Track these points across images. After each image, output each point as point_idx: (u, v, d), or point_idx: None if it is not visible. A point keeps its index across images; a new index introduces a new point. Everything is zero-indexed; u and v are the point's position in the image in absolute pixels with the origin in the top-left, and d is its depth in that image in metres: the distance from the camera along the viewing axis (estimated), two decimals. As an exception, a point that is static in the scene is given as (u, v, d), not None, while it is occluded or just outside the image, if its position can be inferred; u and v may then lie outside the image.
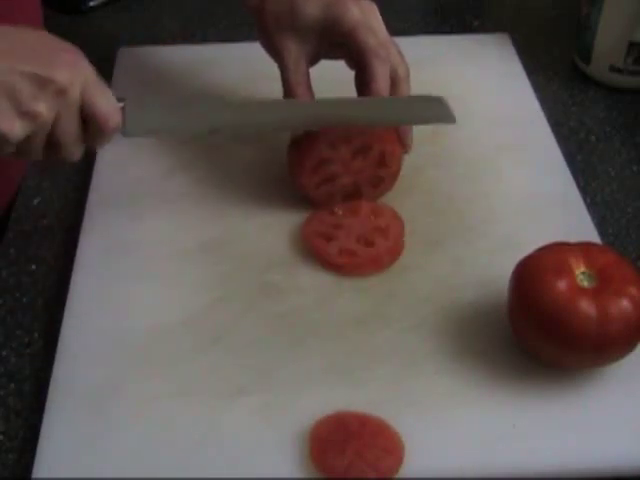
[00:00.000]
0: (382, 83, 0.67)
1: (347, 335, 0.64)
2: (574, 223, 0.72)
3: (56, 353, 0.63)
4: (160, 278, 0.68)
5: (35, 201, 0.77)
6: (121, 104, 0.62)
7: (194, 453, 0.57)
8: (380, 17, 0.69)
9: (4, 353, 0.65)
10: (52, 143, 0.59)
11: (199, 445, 0.57)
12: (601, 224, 0.73)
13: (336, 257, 0.68)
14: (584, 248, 0.60)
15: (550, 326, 0.58)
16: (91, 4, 0.99)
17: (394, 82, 0.68)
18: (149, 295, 0.67)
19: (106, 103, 0.60)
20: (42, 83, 0.56)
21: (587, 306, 0.56)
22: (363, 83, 0.68)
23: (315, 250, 0.69)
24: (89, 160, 0.79)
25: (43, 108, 0.56)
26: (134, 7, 1.01)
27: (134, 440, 0.58)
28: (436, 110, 0.69)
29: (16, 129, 0.56)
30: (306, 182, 0.71)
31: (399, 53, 0.69)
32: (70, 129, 0.59)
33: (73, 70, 0.58)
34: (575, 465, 0.57)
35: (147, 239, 0.71)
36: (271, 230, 0.72)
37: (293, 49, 0.69)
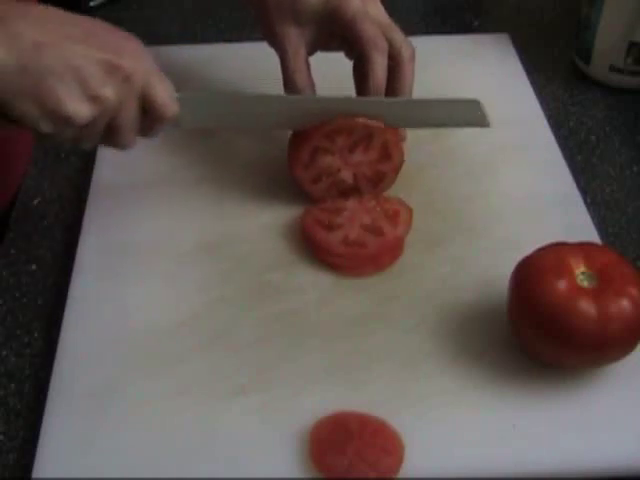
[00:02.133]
0: (379, 73, 0.67)
1: (347, 335, 0.64)
2: (574, 223, 0.72)
3: (56, 353, 0.63)
4: (160, 278, 0.68)
5: (35, 201, 0.77)
6: (177, 95, 0.63)
7: (194, 453, 0.57)
8: (381, 5, 0.70)
9: (4, 353, 0.65)
10: (111, 129, 0.61)
11: (199, 445, 0.57)
12: (601, 224, 0.73)
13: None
14: (584, 248, 0.60)
15: (550, 326, 0.58)
16: (91, 4, 0.99)
17: (398, 64, 0.68)
18: (149, 295, 0.67)
19: (165, 93, 0.62)
20: (111, 69, 0.58)
21: (587, 306, 0.56)
22: (361, 73, 0.68)
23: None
24: (89, 160, 0.79)
25: (110, 93, 0.58)
26: (134, 7, 1.01)
27: (134, 440, 0.58)
28: (471, 113, 0.69)
29: (83, 112, 0.57)
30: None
31: (402, 35, 0.69)
32: (131, 116, 0.61)
33: (137, 58, 0.60)
34: (575, 465, 0.57)
35: (147, 239, 0.71)
36: (271, 230, 0.72)
37: (293, 37, 0.69)
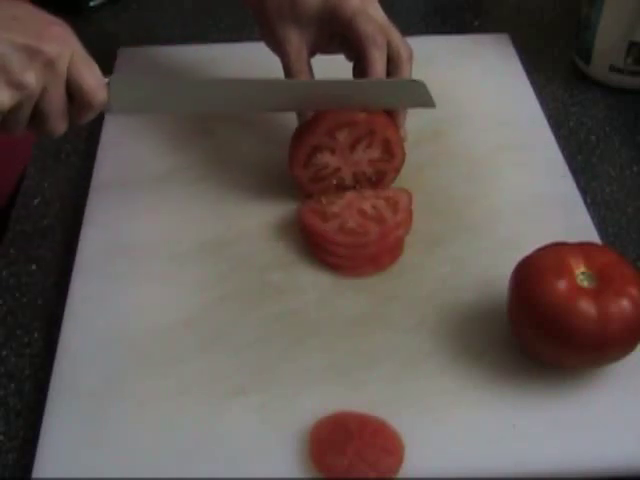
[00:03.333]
0: (379, 70, 0.67)
1: (347, 335, 0.64)
2: (574, 223, 0.72)
3: (56, 353, 0.63)
4: (160, 278, 0.68)
5: (35, 201, 0.77)
6: (107, 80, 0.62)
7: (194, 453, 0.57)
8: (379, 6, 0.70)
9: (4, 353, 0.65)
10: (37, 115, 0.60)
11: (199, 445, 0.57)
12: (601, 224, 0.73)
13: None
14: (584, 248, 0.60)
15: (550, 326, 0.58)
16: (91, 4, 0.99)
17: (396, 64, 0.69)
18: (149, 295, 0.67)
19: (93, 78, 0.60)
20: (32, 54, 0.56)
21: (587, 306, 0.56)
22: (361, 72, 0.68)
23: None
24: (89, 160, 0.79)
25: (32, 78, 0.57)
26: (134, 7, 1.01)
27: (134, 440, 0.58)
28: (417, 94, 0.69)
29: (5, 98, 0.56)
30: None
31: (400, 36, 0.69)
32: (56, 101, 0.59)
33: (61, 43, 0.58)
34: (575, 465, 0.57)
35: (147, 239, 0.71)
36: (271, 230, 0.72)
37: (294, 39, 0.69)
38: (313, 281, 0.68)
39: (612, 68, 0.86)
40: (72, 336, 0.64)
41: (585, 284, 0.58)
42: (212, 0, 1.01)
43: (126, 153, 0.79)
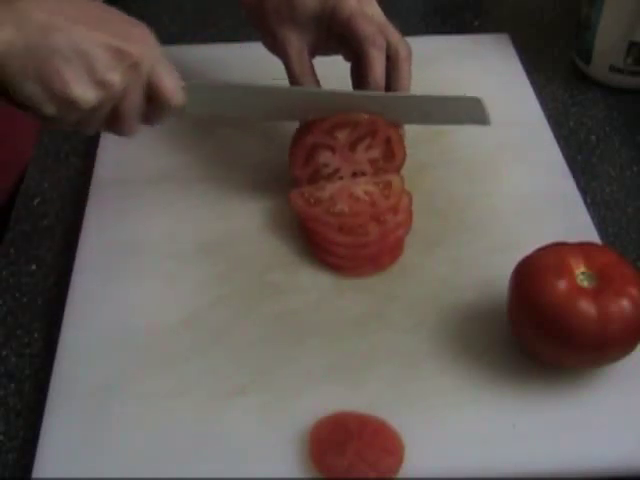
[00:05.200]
0: (378, 70, 0.67)
1: (347, 335, 0.64)
2: (574, 223, 0.72)
3: (56, 353, 0.63)
4: (160, 278, 0.68)
5: (35, 201, 0.77)
6: (183, 84, 0.63)
7: (194, 453, 0.57)
8: (377, 5, 0.70)
9: (4, 353, 0.65)
10: (115, 115, 0.61)
11: (199, 445, 0.57)
12: (601, 224, 0.73)
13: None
14: (584, 248, 0.60)
15: (550, 326, 0.58)
16: (91, 4, 0.99)
17: (395, 62, 0.69)
18: (149, 295, 0.67)
19: (172, 82, 0.61)
20: (118, 55, 0.57)
21: (587, 306, 0.56)
22: (360, 72, 0.68)
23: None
24: (89, 160, 0.79)
25: (116, 79, 0.58)
26: (134, 7, 1.00)
27: (134, 440, 0.58)
28: (473, 111, 0.70)
29: (89, 96, 0.57)
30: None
31: (398, 34, 0.69)
32: (136, 102, 0.60)
33: (145, 46, 0.60)
34: (575, 465, 0.57)
35: (147, 239, 0.71)
36: (271, 230, 0.72)
37: (294, 40, 0.69)
38: (313, 281, 0.68)
39: (612, 68, 0.86)
40: (72, 336, 0.64)
41: (585, 284, 0.58)
42: (212, 0, 1.01)
43: (126, 153, 0.79)
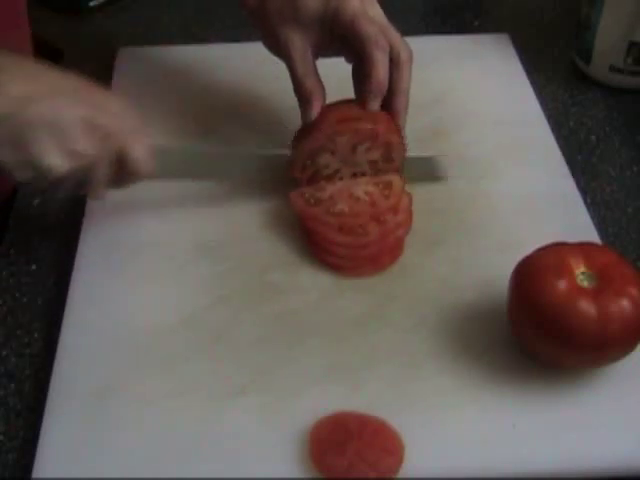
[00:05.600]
0: (382, 71, 0.67)
1: (347, 335, 0.64)
2: (574, 223, 0.72)
3: (56, 353, 0.63)
4: (160, 278, 0.68)
5: (35, 201, 0.76)
6: (154, 150, 0.65)
7: (194, 453, 0.57)
8: (379, 7, 0.70)
9: (4, 353, 0.65)
10: (85, 180, 0.62)
11: (199, 445, 0.57)
12: (601, 224, 0.73)
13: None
14: (584, 248, 0.60)
15: (550, 326, 0.58)
16: (91, 4, 0.99)
17: (397, 65, 0.69)
18: (149, 295, 0.67)
19: (143, 153, 0.63)
20: (92, 127, 0.60)
21: (587, 306, 0.56)
22: (363, 73, 0.68)
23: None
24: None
25: (88, 150, 0.60)
26: (134, 7, 1.01)
27: (134, 440, 0.58)
28: (427, 169, 0.74)
29: (60, 165, 0.59)
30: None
31: (400, 38, 0.69)
32: (105, 171, 0.62)
33: (120, 118, 0.62)
34: (575, 465, 0.57)
35: (147, 239, 0.71)
36: (271, 230, 0.72)
37: (297, 42, 0.69)
38: (313, 281, 0.68)
39: (612, 68, 0.86)
40: (72, 336, 0.64)
41: (585, 284, 0.58)
42: (212, 0, 1.01)
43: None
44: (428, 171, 0.74)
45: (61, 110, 0.58)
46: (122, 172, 0.63)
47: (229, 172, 0.73)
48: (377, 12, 0.69)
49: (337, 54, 0.71)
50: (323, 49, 0.71)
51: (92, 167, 0.61)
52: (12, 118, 0.57)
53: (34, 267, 0.71)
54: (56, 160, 0.59)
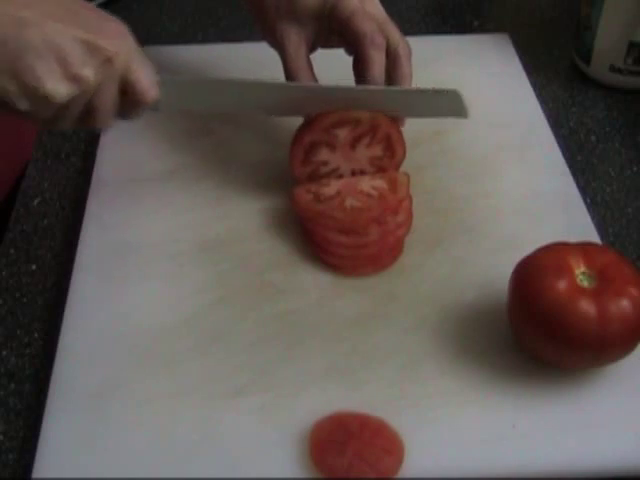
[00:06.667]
0: (377, 70, 0.67)
1: (347, 335, 0.64)
2: (574, 223, 0.72)
3: (56, 353, 0.63)
4: (160, 278, 0.68)
5: (35, 201, 0.77)
6: (158, 78, 0.63)
7: (194, 453, 0.57)
8: (378, 2, 0.70)
9: (4, 353, 0.65)
10: (89, 110, 0.60)
11: (199, 445, 0.57)
12: (601, 224, 0.73)
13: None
14: (584, 248, 0.60)
15: (550, 326, 0.58)
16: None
17: (395, 60, 0.69)
18: (149, 295, 0.67)
19: (146, 77, 0.61)
20: (92, 50, 0.57)
21: (587, 306, 0.56)
22: (360, 71, 0.68)
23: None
24: (89, 160, 0.79)
25: (90, 74, 0.57)
26: (134, 7, 1.01)
27: (134, 440, 0.58)
28: (451, 103, 0.69)
29: (62, 91, 0.57)
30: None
31: (399, 33, 0.69)
32: (109, 97, 0.60)
33: (120, 41, 0.59)
34: (575, 465, 0.57)
35: (147, 239, 0.71)
36: (271, 230, 0.72)
37: (293, 36, 0.69)
38: (313, 281, 0.68)
39: (612, 68, 0.86)
40: (72, 336, 0.64)
41: (585, 284, 0.58)
42: (212, 0, 1.01)
43: (126, 153, 0.79)
44: (449, 105, 0.71)
45: (60, 33, 0.56)
46: (127, 98, 0.61)
47: (237, 103, 0.70)
48: (376, 7, 0.69)
49: (337, 46, 0.71)
50: (321, 43, 0.71)
51: (95, 93, 0.59)
52: (9, 43, 0.55)
53: (34, 267, 0.71)
54: (57, 85, 0.56)
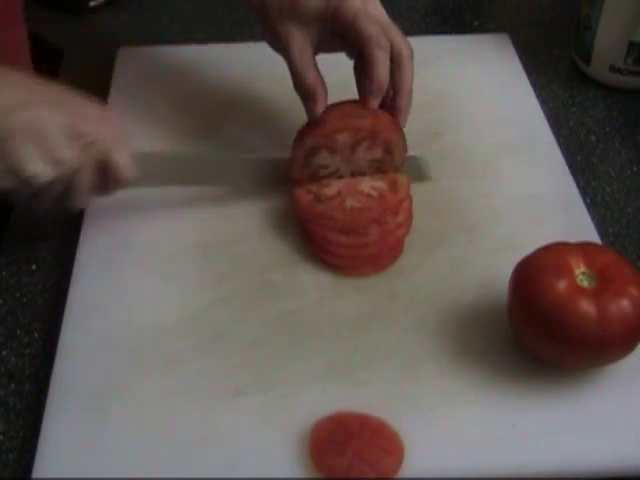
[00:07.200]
0: (382, 71, 0.67)
1: (347, 335, 0.64)
2: (574, 223, 0.72)
3: (56, 353, 0.63)
4: (160, 278, 0.68)
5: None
6: (135, 157, 0.65)
7: (194, 453, 0.57)
8: (380, 5, 0.70)
9: (4, 353, 0.65)
10: (68, 189, 0.63)
11: (199, 445, 0.57)
12: (601, 224, 0.73)
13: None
14: (584, 248, 0.60)
15: (550, 326, 0.58)
16: (91, 4, 0.99)
17: (398, 63, 0.69)
18: (149, 295, 0.67)
19: (125, 158, 0.64)
20: (74, 134, 0.60)
21: (587, 306, 0.56)
22: (363, 71, 0.69)
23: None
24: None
25: (71, 157, 0.61)
26: (134, 7, 1.01)
27: (134, 440, 0.58)
28: (411, 169, 0.73)
29: (44, 173, 0.60)
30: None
31: (401, 35, 0.69)
32: (89, 178, 0.63)
33: (101, 125, 0.63)
34: (575, 465, 0.57)
35: (147, 239, 0.71)
36: (271, 230, 0.72)
37: (297, 38, 0.69)
38: (313, 281, 0.68)
39: (612, 68, 0.86)
40: (72, 336, 0.64)
41: (585, 284, 0.58)
42: (212, 0, 1.01)
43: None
44: (412, 171, 0.74)
45: (44, 118, 0.59)
46: (105, 179, 0.64)
47: (215, 178, 0.73)
48: (379, 10, 0.70)
49: (338, 50, 0.71)
50: (324, 46, 0.71)
51: (75, 174, 0.62)
52: None
53: (34, 267, 0.71)
54: (39, 168, 0.59)
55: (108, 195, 0.66)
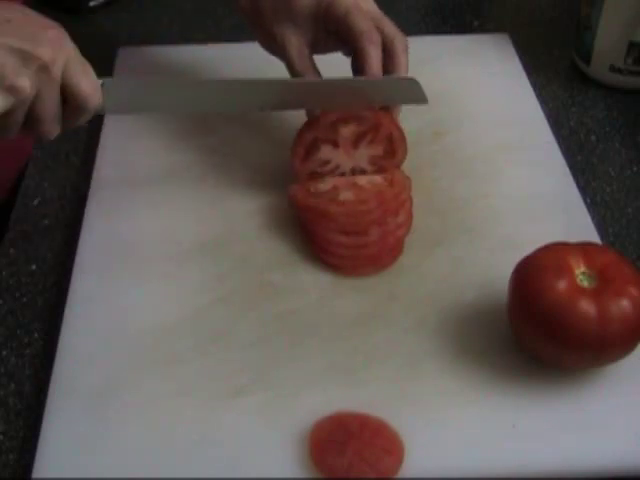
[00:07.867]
0: (374, 66, 0.67)
1: (347, 335, 0.64)
2: (574, 223, 0.72)
3: (56, 353, 0.63)
4: (160, 278, 0.68)
5: (35, 201, 0.77)
6: (101, 81, 0.62)
7: (194, 453, 0.57)
8: None
9: (4, 353, 0.65)
10: (31, 119, 0.60)
11: (199, 445, 0.57)
12: (601, 224, 0.73)
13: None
14: (584, 248, 0.60)
15: (550, 326, 0.58)
16: (91, 4, 0.99)
17: (392, 55, 0.69)
18: (149, 295, 0.67)
19: (87, 81, 0.60)
20: (26, 58, 0.56)
21: (587, 306, 0.56)
22: (358, 67, 0.69)
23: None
24: (89, 160, 0.79)
25: (26, 83, 0.56)
26: (134, 7, 1.01)
27: (134, 440, 0.58)
28: (409, 91, 0.69)
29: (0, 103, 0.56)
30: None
31: (394, 27, 0.69)
32: (50, 106, 0.59)
33: (56, 47, 0.58)
34: (575, 465, 0.57)
35: (147, 239, 0.71)
36: (271, 230, 0.72)
37: (293, 38, 0.69)
38: (313, 281, 0.68)
39: (612, 68, 0.86)
40: (72, 336, 0.64)
41: (585, 284, 0.58)
42: (212, 0, 1.01)
43: (126, 153, 0.79)
44: (409, 93, 0.70)
45: None
46: (70, 105, 0.61)
47: (187, 104, 0.69)
48: (370, 4, 0.70)
49: (334, 50, 0.71)
50: (319, 46, 0.71)
51: (35, 102, 0.58)
52: None
53: (34, 267, 0.71)
54: None
55: (78, 124, 0.63)
